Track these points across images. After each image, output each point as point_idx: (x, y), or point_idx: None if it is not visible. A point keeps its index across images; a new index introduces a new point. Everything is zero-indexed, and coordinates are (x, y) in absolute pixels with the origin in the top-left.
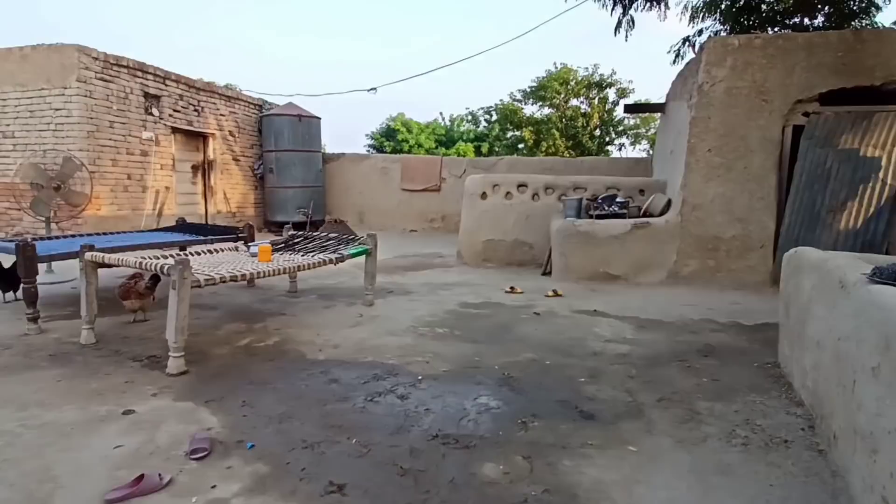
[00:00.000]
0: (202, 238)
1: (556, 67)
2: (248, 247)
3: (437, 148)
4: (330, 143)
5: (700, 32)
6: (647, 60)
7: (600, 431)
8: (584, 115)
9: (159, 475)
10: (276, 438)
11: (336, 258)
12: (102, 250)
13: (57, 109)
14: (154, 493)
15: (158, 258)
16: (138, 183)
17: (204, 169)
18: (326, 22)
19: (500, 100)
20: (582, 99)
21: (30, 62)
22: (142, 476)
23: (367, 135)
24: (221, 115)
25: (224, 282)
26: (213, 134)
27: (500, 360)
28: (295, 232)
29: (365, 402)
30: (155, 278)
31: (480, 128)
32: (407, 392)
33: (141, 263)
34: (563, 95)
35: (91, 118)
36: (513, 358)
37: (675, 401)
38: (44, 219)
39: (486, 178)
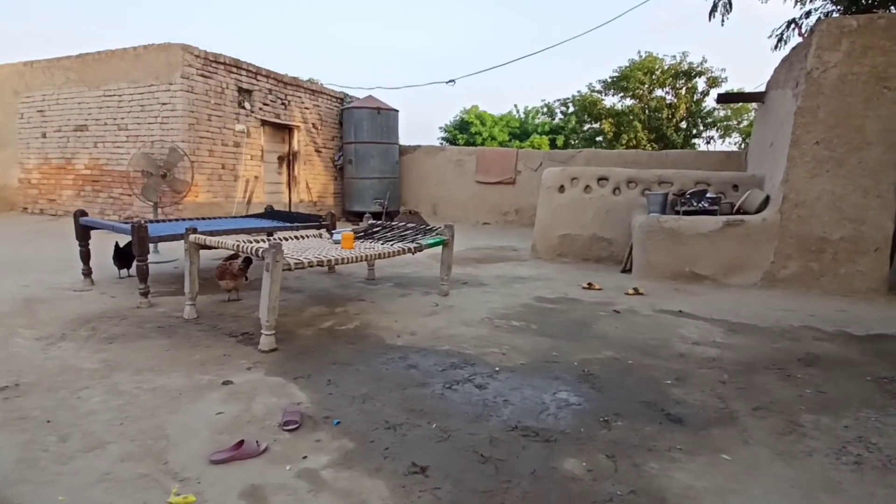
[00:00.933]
0: (289, 225)
1: (641, 56)
2: (331, 234)
3: (510, 140)
4: (404, 134)
5: (808, 14)
6: (742, 47)
7: (689, 436)
8: (669, 105)
9: (256, 442)
10: (359, 417)
11: (414, 247)
12: (203, 233)
13: (163, 104)
14: (252, 458)
15: (252, 242)
16: (231, 172)
17: (289, 160)
18: (406, 13)
19: (578, 91)
20: (668, 89)
21: (141, 61)
22: (242, 442)
23: (440, 127)
24: (306, 108)
25: (311, 266)
26: (298, 126)
27: (579, 357)
28: (374, 221)
29: (443, 388)
30: (247, 260)
31: (556, 120)
32: (484, 382)
33: (238, 246)
34: (646, 85)
35: (192, 112)
36: (592, 355)
37: (774, 411)
38: (152, 204)
39: (564, 171)
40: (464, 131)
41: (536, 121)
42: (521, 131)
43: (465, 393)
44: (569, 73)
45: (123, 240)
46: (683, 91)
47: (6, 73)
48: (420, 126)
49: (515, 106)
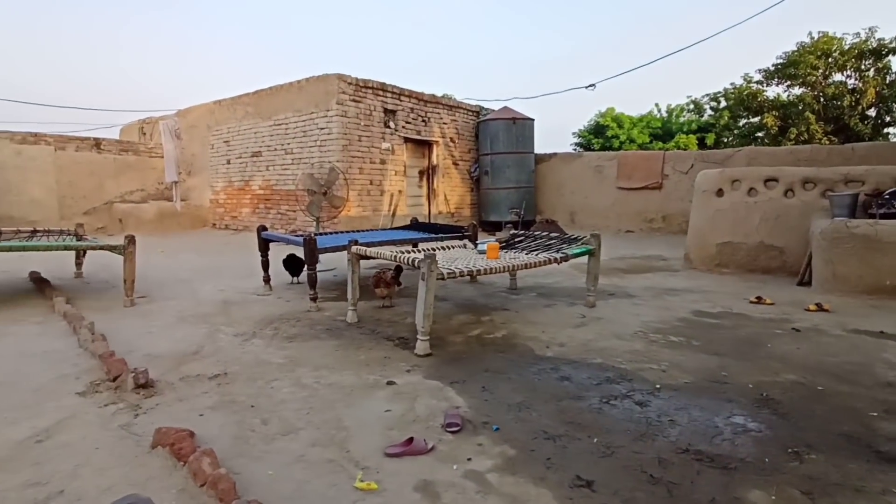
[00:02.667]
0: (434, 236)
1: (813, 38)
2: (476, 245)
3: (651, 142)
4: (538, 143)
5: None
6: None
7: None
8: (852, 91)
9: (424, 440)
10: (517, 426)
11: (560, 257)
12: (363, 245)
13: (321, 128)
14: (421, 455)
15: (407, 252)
16: (377, 187)
17: (428, 173)
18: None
19: (732, 83)
20: (849, 72)
21: (304, 92)
22: (412, 439)
23: (573, 133)
24: (444, 123)
25: (462, 276)
26: (436, 141)
27: (753, 378)
28: (516, 231)
29: (600, 403)
30: (398, 269)
31: (705, 117)
32: (645, 399)
33: (395, 257)
34: (821, 70)
35: (345, 134)
36: (770, 378)
37: None
38: (315, 218)
39: (722, 172)
40: (599, 135)
41: (681, 119)
42: (663, 131)
43: (624, 409)
44: (719, 66)
45: (292, 250)
46: (871, 73)
47: (201, 112)
48: (553, 133)
49: (656, 105)
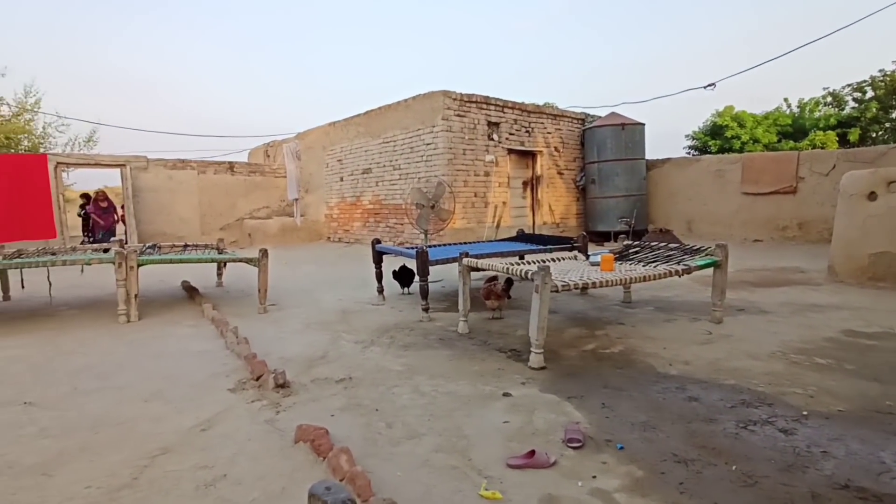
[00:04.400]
0: (542, 248)
1: None
2: (587, 256)
3: (779, 142)
4: (648, 148)
5: None
6: None
7: None
8: None
9: (546, 454)
10: (643, 445)
11: (682, 269)
12: (473, 257)
13: (427, 144)
14: (543, 469)
15: (518, 264)
16: (481, 199)
17: (532, 184)
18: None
19: (881, 70)
20: None
21: (411, 110)
22: (533, 452)
23: (686, 135)
24: (548, 133)
25: (577, 288)
26: (540, 151)
27: None
28: (630, 242)
29: (737, 428)
30: (509, 281)
31: (846, 110)
32: (790, 427)
33: (507, 269)
34: None
35: (450, 148)
36: None
37: None
38: (423, 231)
39: (875, 173)
40: (717, 136)
41: (816, 114)
42: (794, 129)
43: (766, 436)
44: (862, 52)
45: (402, 261)
46: None
47: (317, 134)
48: (664, 137)
49: (785, 100)
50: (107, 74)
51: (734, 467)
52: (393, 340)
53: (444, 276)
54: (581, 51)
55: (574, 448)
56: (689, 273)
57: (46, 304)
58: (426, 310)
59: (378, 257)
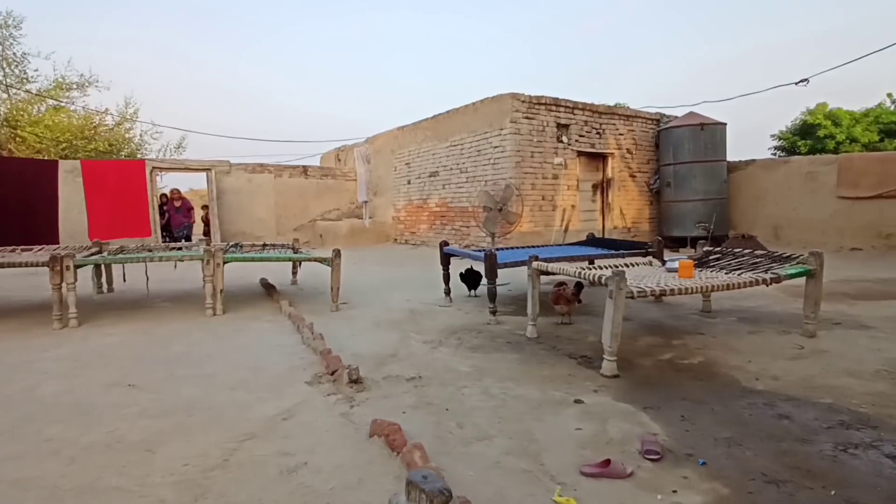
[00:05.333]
0: (613, 252)
1: None
2: (663, 262)
3: (881, 141)
4: (729, 149)
5: None
6: None
7: None
8: None
9: (622, 464)
10: (728, 462)
11: (770, 278)
12: (543, 260)
13: (495, 147)
14: (619, 480)
15: (589, 269)
16: (549, 203)
17: (602, 187)
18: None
19: None
20: None
21: (479, 113)
22: (608, 461)
23: (772, 135)
24: (620, 134)
25: (654, 295)
26: (611, 153)
27: None
28: (710, 248)
29: (835, 450)
30: (579, 286)
31: None
32: None
33: (579, 273)
34: None
35: (518, 151)
36: None
37: None
38: (490, 234)
39: None
40: (807, 136)
41: None
42: None
43: (870, 461)
44: None
45: (469, 264)
46: None
47: (386, 139)
48: (747, 138)
49: (889, 95)
50: (194, 85)
51: (833, 492)
52: (461, 342)
53: (510, 279)
54: (656, 49)
55: (652, 460)
56: (778, 282)
57: (144, 296)
58: (493, 313)
59: (446, 259)
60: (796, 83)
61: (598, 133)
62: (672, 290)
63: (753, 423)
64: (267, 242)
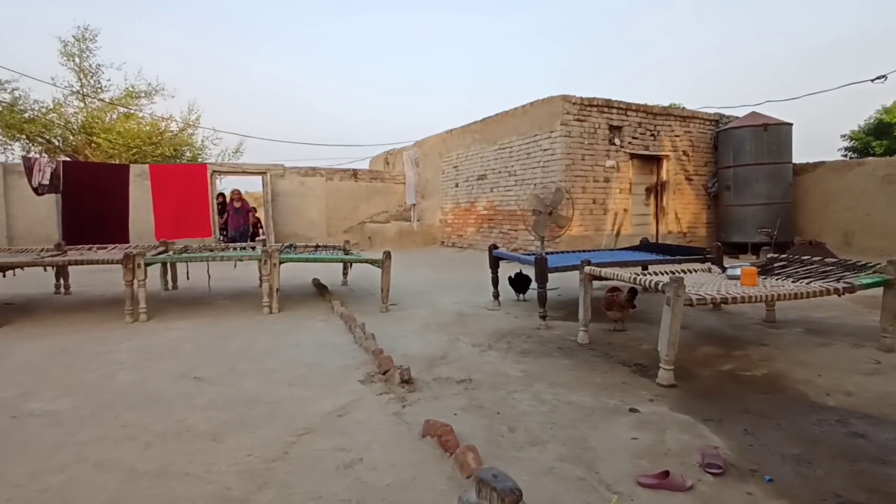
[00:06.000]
0: (669, 258)
1: None
2: (724, 269)
3: None
4: (795, 151)
5: None
6: None
7: None
8: None
9: (682, 476)
10: (797, 481)
11: (843, 288)
12: (596, 265)
13: (545, 150)
14: (678, 493)
15: (644, 274)
16: (601, 206)
17: (656, 190)
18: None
19: None
20: None
21: (528, 116)
22: (667, 472)
23: (843, 136)
24: (676, 136)
25: (714, 303)
26: (667, 156)
27: None
28: (775, 255)
29: None
30: (633, 292)
31: None
32: None
33: (634, 279)
34: None
35: (568, 154)
36: None
37: None
38: (540, 238)
39: None
40: (883, 136)
41: None
42: None
43: None
44: None
45: (517, 267)
46: None
47: (434, 142)
48: (814, 139)
49: None
50: (251, 93)
51: None
52: (510, 346)
53: (560, 284)
54: (713, 47)
55: (713, 474)
56: (851, 292)
57: (205, 293)
58: (543, 317)
59: (495, 262)
60: (872, 80)
61: (652, 135)
62: (735, 297)
63: (825, 441)
64: (319, 244)
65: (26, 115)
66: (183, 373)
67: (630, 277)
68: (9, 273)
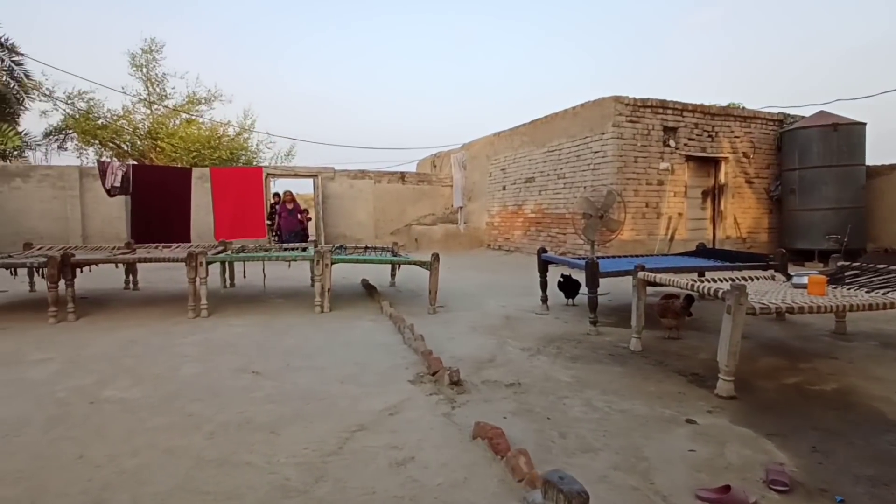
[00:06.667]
0: (728, 264)
1: None
2: (789, 277)
3: None
4: (869, 152)
5: None
6: None
7: None
8: None
9: (745, 492)
10: (872, 503)
11: None
12: (651, 270)
13: (595, 152)
14: None
15: (702, 281)
16: (654, 210)
17: (713, 194)
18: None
19: None
20: None
21: (579, 117)
22: (728, 487)
23: None
24: (735, 136)
25: (778, 312)
26: (725, 158)
27: None
28: (845, 263)
29: None
30: (689, 299)
31: None
32: None
33: (692, 285)
34: None
35: (620, 156)
36: None
37: None
38: (590, 242)
39: None
40: None
41: None
42: None
43: None
44: None
45: (565, 272)
46: None
47: (482, 144)
48: (889, 139)
49: None
50: (302, 99)
51: None
52: (560, 351)
53: (609, 289)
54: (776, 43)
55: (779, 492)
56: None
57: (260, 292)
58: (594, 323)
59: (543, 266)
60: None
61: (710, 136)
62: (802, 307)
63: None
64: (368, 245)
65: (100, 122)
66: (242, 367)
67: (687, 284)
68: (85, 269)
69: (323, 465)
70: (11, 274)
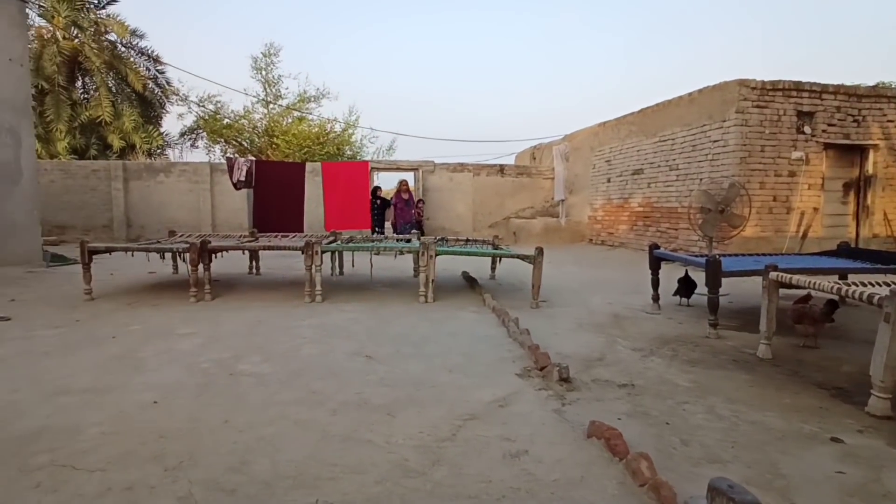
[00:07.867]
0: (877, 267)
1: None
2: None
3: None
4: None
5: None
6: None
7: None
8: None
9: None
10: None
11: None
12: (785, 271)
13: (714, 141)
14: None
15: (853, 285)
16: (783, 204)
17: (858, 186)
18: None
19: None
20: None
21: (695, 104)
22: None
23: None
24: (889, 121)
25: None
26: (875, 145)
27: None
28: None
29: None
30: (831, 304)
31: None
32: None
33: (836, 288)
34: None
35: (744, 145)
36: None
37: None
38: (708, 238)
39: None
40: None
41: None
42: None
43: None
44: None
45: (681, 269)
46: None
47: (586, 135)
48: None
49: None
50: (403, 93)
51: None
52: (675, 353)
53: (730, 290)
54: None
55: None
56: None
57: (367, 280)
58: (714, 325)
59: (656, 263)
60: None
61: (855, 121)
62: None
63: None
64: (468, 238)
65: (225, 121)
66: (355, 350)
67: (831, 287)
68: (216, 255)
69: (438, 450)
70: (161, 258)
